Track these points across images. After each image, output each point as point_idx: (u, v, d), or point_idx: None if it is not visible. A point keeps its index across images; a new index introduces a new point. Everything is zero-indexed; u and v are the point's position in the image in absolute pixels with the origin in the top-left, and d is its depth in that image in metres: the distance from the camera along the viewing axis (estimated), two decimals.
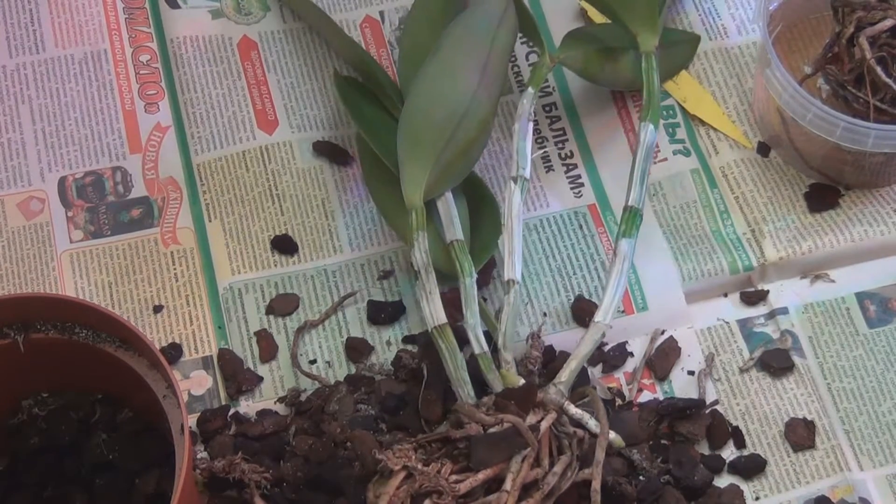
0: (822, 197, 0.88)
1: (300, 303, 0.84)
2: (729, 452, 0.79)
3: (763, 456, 0.79)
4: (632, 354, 0.82)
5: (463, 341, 0.78)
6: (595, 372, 0.82)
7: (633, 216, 0.80)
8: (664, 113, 0.91)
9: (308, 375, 0.81)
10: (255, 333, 0.83)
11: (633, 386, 0.81)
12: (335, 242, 0.87)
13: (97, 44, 0.94)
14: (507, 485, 0.69)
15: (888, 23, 0.82)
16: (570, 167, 0.90)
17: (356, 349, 0.82)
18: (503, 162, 0.90)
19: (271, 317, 0.84)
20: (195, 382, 0.81)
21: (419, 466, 0.69)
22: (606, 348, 0.82)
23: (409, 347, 0.82)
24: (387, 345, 0.83)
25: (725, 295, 0.85)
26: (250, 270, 0.85)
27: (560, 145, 0.91)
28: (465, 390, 0.76)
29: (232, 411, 0.80)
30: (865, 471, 0.78)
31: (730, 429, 0.80)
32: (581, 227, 0.87)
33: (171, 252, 0.86)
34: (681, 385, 0.81)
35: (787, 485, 0.78)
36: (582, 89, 0.93)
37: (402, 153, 0.82)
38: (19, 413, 0.76)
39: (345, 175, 0.89)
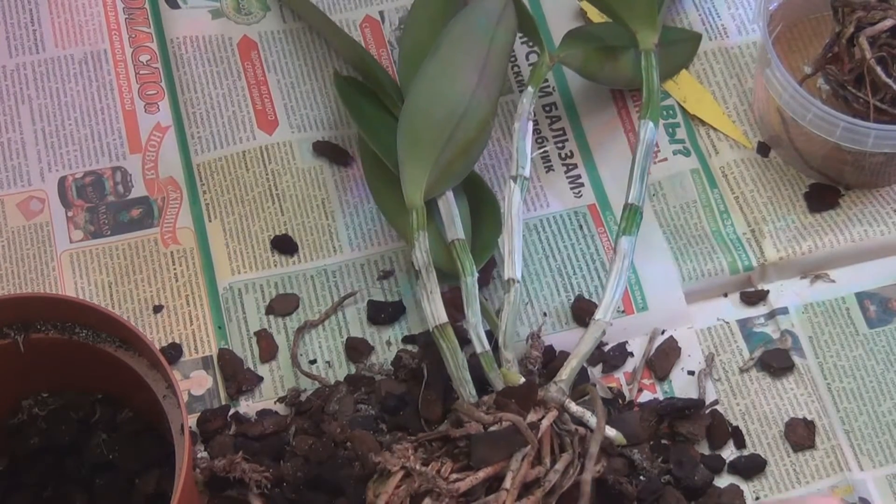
0: (822, 197, 0.88)
1: (300, 303, 0.84)
2: (729, 452, 0.79)
3: (763, 456, 0.79)
4: (632, 354, 0.82)
5: (463, 341, 0.78)
6: (595, 372, 0.82)
7: (633, 214, 0.80)
8: (664, 113, 0.91)
9: (308, 375, 0.81)
10: (255, 333, 0.83)
11: (633, 386, 0.81)
12: (335, 242, 0.87)
13: (97, 44, 0.94)
14: (507, 483, 0.69)
15: (888, 23, 0.82)
16: (570, 167, 0.90)
17: (356, 349, 0.82)
18: (503, 161, 0.90)
19: (271, 317, 0.84)
20: (195, 382, 0.81)
21: (418, 467, 0.69)
22: (606, 348, 0.82)
23: (409, 347, 0.82)
24: (387, 345, 0.83)
25: (725, 295, 0.85)
26: (250, 270, 0.85)
27: (560, 145, 0.91)
28: (467, 389, 0.76)
29: (232, 411, 0.80)
30: (865, 471, 0.78)
31: (730, 429, 0.80)
32: (581, 226, 0.87)
33: (171, 252, 0.86)
34: (681, 385, 0.81)
35: (787, 485, 0.78)
36: (582, 89, 0.93)
37: (401, 153, 0.82)
38: (19, 413, 0.76)
39: (345, 175, 0.89)
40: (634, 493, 0.75)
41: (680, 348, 0.82)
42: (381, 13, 0.96)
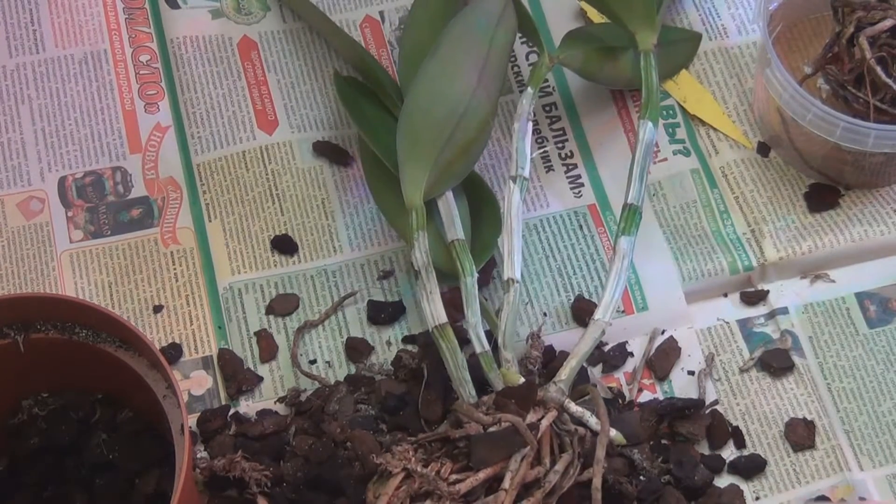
0: (822, 197, 0.88)
1: (300, 303, 0.84)
2: (729, 452, 0.79)
3: (763, 456, 0.79)
4: (632, 354, 0.82)
5: (463, 341, 0.78)
6: (595, 372, 0.82)
7: (632, 214, 0.80)
8: (664, 113, 0.91)
9: (308, 375, 0.81)
10: (255, 333, 0.83)
11: (633, 386, 0.81)
12: (335, 242, 0.87)
13: (97, 44, 0.94)
14: (506, 483, 0.69)
15: (888, 23, 0.82)
16: (570, 167, 0.90)
17: (356, 349, 0.82)
18: (504, 161, 0.90)
19: (271, 317, 0.84)
20: (195, 382, 0.81)
21: (419, 468, 0.69)
22: (606, 348, 0.82)
23: (409, 347, 0.82)
24: (387, 345, 0.83)
25: (725, 295, 0.85)
26: (250, 270, 0.85)
27: (560, 145, 0.91)
28: (467, 389, 0.76)
29: (232, 411, 0.80)
30: (865, 471, 0.78)
31: (730, 429, 0.80)
32: (581, 227, 0.87)
33: (171, 252, 0.86)
34: (681, 385, 0.81)
35: (787, 485, 0.78)
36: (582, 89, 0.93)
37: (401, 153, 0.82)
38: (19, 413, 0.76)
39: (345, 175, 0.89)
40: (634, 493, 0.75)
41: (680, 348, 0.82)
42: (381, 13, 0.96)
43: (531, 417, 0.72)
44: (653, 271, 0.85)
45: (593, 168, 0.90)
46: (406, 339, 0.83)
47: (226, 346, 0.83)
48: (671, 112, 0.91)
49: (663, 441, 0.79)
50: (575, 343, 0.78)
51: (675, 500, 0.75)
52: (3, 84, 0.92)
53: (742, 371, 0.82)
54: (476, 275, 0.79)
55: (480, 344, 0.77)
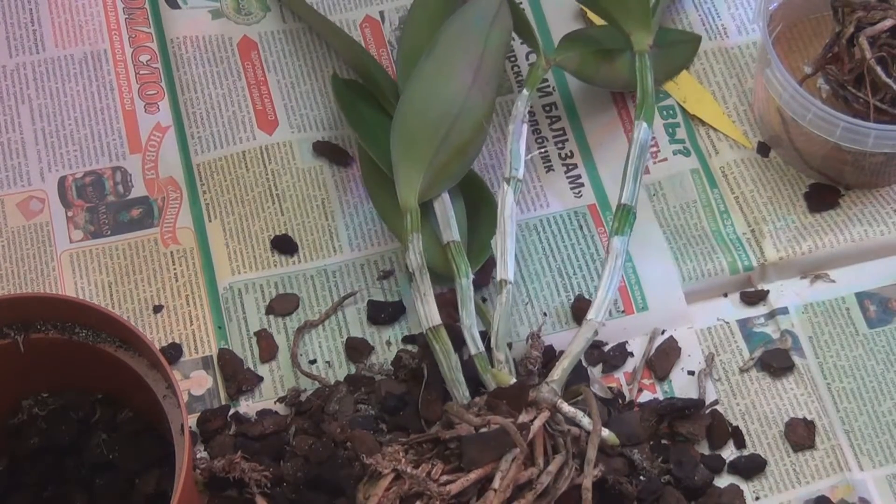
0: (822, 197, 0.88)
1: (300, 303, 0.84)
2: (729, 452, 0.79)
3: (763, 456, 0.79)
4: (632, 354, 0.82)
5: (462, 341, 0.78)
6: (595, 372, 0.82)
7: (625, 214, 0.80)
8: (664, 113, 0.91)
9: (308, 375, 0.81)
10: (255, 333, 0.83)
11: (633, 386, 0.81)
12: (335, 242, 0.87)
13: (97, 44, 0.94)
14: (496, 484, 0.69)
15: (888, 23, 0.82)
16: (570, 167, 0.90)
17: (356, 349, 0.82)
18: (502, 161, 0.89)
19: (271, 317, 0.84)
20: (195, 382, 0.81)
21: (408, 469, 0.69)
22: (606, 348, 0.82)
23: (409, 347, 0.82)
24: (387, 345, 0.83)
25: (725, 295, 0.85)
26: (250, 270, 0.85)
27: (560, 145, 0.91)
28: (460, 391, 0.76)
29: (232, 411, 0.80)
30: (865, 471, 0.78)
31: (730, 429, 0.80)
32: (581, 227, 0.87)
33: (171, 252, 0.86)
34: (681, 385, 0.81)
35: (787, 485, 0.78)
36: (582, 89, 0.93)
37: (396, 155, 0.82)
38: (19, 413, 0.76)
39: (345, 175, 0.89)
40: (634, 493, 0.75)
41: (680, 348, 0.82)
42: (381, 13, 0.96)
43: (524, 418, 0.72)
44: (653, 271, 0.85)
45: (593, 168, 0.90)
46: (406, 339, 0.83)
47: (226, 346, 0.83)
48: (671, 112, 0.91)
49: (663, 441, 0.79)
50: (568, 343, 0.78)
51: (675, 500, 0.75)
52: (3, 84, 0.92)
53: (742, 371, 0.82)
54: (471, 276, 0.79)
55: (475, 345, 0.77)
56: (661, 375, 0.82)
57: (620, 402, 0.80)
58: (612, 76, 0.90)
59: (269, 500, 0.75)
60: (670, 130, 0.91)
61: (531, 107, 0.88)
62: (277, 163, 0.89)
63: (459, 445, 0.71)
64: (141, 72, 0.93)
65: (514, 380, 0.76)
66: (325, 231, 0.87)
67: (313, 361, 0.82)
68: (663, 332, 0.83)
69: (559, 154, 0.90)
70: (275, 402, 0.81)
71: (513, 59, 0.94)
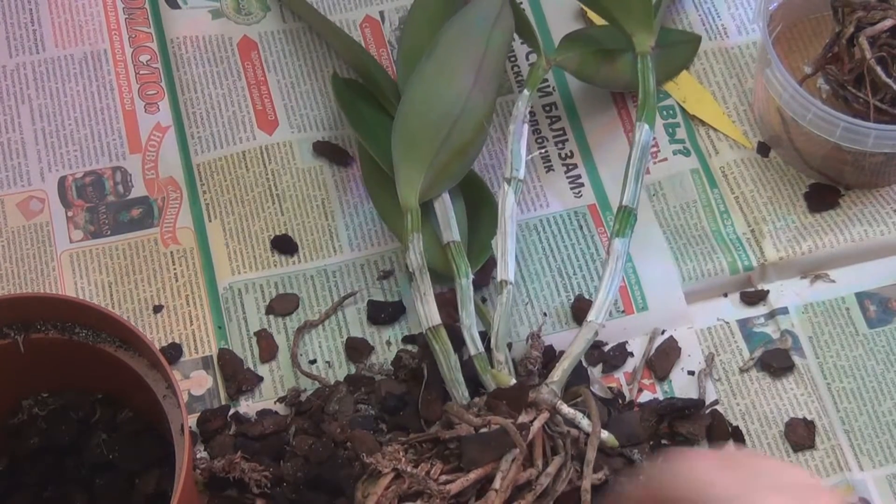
0: (822, 197, 0.88)
1: (300, 303, 0.84)
2: None
3: None
4: (632, 354, 0.82)
5: (462, 341, 0.78)
6: (595, 372, 0.82)
7: (626, 215, 0.80)
8: (664, 113, 0.91)
9: (308, 375, 0.81)
10: (255, 333, 0.83)
11: (633, 386, 0.81)
12: (335, 242, 0.87)
13: (97, 44, 0.94)
14: (496, 484, 0.69)
15: (888, 23, 0.82)
16: (570, 167, 0.90)
17: (356, 349, 0.82)
18: (502, 161, 0.89)
19: (271, 317, 0.84)
20: (195, 382, 0.81)
21: (408, 468, 0.69)
22: (606, 348, 0.82)
23: (409, 347, 0.82)
24: (387, 345, 0.83)
25: (725, 295, 0.85)
26: (250, 270, 0.85)
27: (560, 145, 0.91)
28: (459, 391, 0.76)
29: (232, 411, 0.80)
30: (865, 471, 0.78)
31: (730, 429, 0.80)
32: (581, 227, 0.87)
33: (171, 252, 0.86)
34: (681, 385, 0.81)
35: None
36: (582, 89, 0.93)
37: (396, 155, 0.82)
38: (19, 413, 0.76)
39: (345, 175, 0.89)
40: None
41: (680, 348, 0.82)
42: (381, 13, 0.96)
43: (523, 419, 0.72)
44: (653, 271, 0.85)
45: (593, 168, 0.90)
46: (406, 339, 0.83)
47: (226, 346, 0.83)
48: (671, 112, 0.91)
49: (663, 441, 0.79)
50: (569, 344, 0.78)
51: None
52: (3, 84, 0.92)
53: (742, 371, 0.82)
54: (471, 276, 0.79)
55: (475, 345, 0.77)
56: (661, 375, 0.82)
57: (620, 402, 0.80)
58: (612, 76, 0.90)
59: (269, 500, 0.75)
60: (670, 130, 0.91)
61: (531, 107, 0.87)
62: (277, 163, 0.89)
63: (459, 445, 0.71)
64: (141, 72, 0.93)
65: (513, 380, 0.76)
66: (325, 231, 0.87)
67: (313, 361, 0.82)
68: (663, 332, 0.83)
69: (559, 154, 0.90)
70: (275, 402, 0.81)
71: (513, 59, 0.94)
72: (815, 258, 0.85)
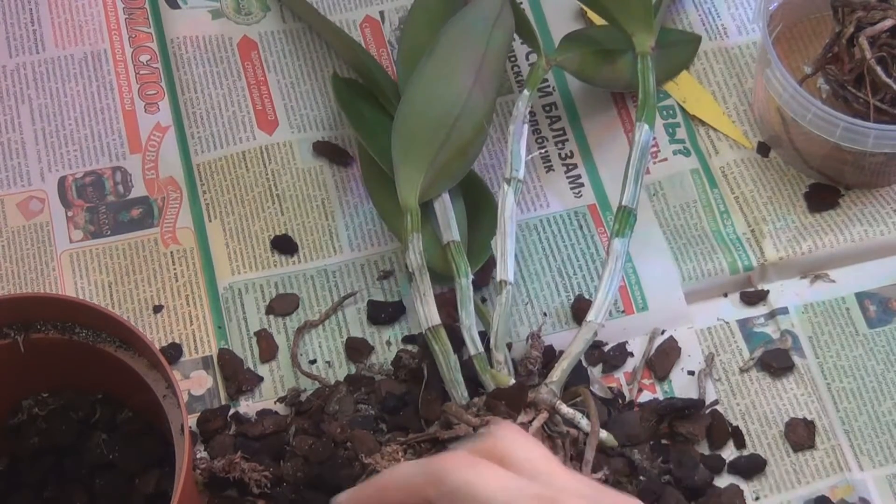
0: (822, 197, 0.88)
1: (300, 303, 0.84)
2: (729, 452, 0.79)
3: (763, 456, 0.79)
4: (632, 354, 0.82)
5: (461, 341, 0.78)
6: (595, 372, 0.82)
7: (626, 216, 0.80)
8: (664, 113, 0.91)
9: (308, 375, 0.81)
10: (255, 333, 0.83)
11: (633, 386, 0.81)
12: (335, 242, 0.87)
13: (97, 44, 0.94)
14: None
15: (888, 23, 0.82)
16: (570, 167, 0.90)
17: (356, 349, 0.82)
18: (502, 161, 0.89)
19: (271, 317, 0.84)
20: (195, 382, 0.81)
21: None
22: (606, 348, 0.82)
23: (409, 347, 0.82)
24: (387, 345, 0.83)
25: (725, 295, 0.85)
26: (250, 270, 0.85)
27: (560, 145, 0.91)
28: (459, 391, 0.76)
29: (232, 411, 0.80)
30: (865, 471, 0.78)
31: (730, 429, 0.80)
32: (581, 227, 0.87)
33: (171, 252, 0.86)
34: (681, 385, 0.81)
35: (787, 485, 0.78)
36: (582, 89, 0.93)
37: (396, 155, 0.82)
38: (19, 413, 0.76)
39: (345, 175, 0.89)
40: (635, 493, 0.75)
41: (680, 348, 0.82)
42: (381, 13, 0.96)
43: (522, 419, 0.72)
44: (653, 271, 0.85)
45: (593, 168, 0.90)
46: (406, 339, 0.83)
47: (226, 346, 0.83)
48: (671, 112, 0.91)
49: (663, 441, 0.79)
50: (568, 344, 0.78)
51: (675, 501, 0.75)
52: (3, 84, 0.92)
53: (742, 371, 0.82)
54: (471, 276, 0.79)
55: (474, 345, 0.77)
56: (661, 375, 0.82)
57: (620, 402, 0.80)
58: (613, 77, 0.90)
59: (269, 500, 0.75)
60: (670, 130, 0.91)
61: (531, 107, 0.87)
62: (277, 163, 0.89)
63: (458, 446, 0.71)
64: (141, 72, 0.93)
65: (512, 380, 0.76)
66: (325, 231, 0.87)
67: (313, 361, 0.82)
68: (663, 332, 0.83)
69: (559, 154, 0.90)
70: (275, 402, 0.81)
71: (513, 59, 0.94)
72: (815, 258, 0.85)
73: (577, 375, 0.79)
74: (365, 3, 0.97)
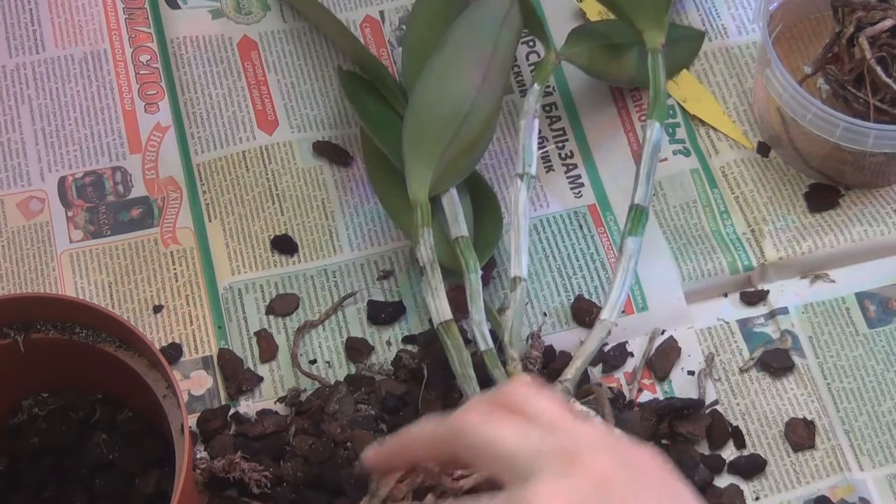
0: (822, 197, 0.88)
1: (300, 303, 0.84)
2: (729, 452, 0.79)
3: (763, 456, 0.79)
4: (632, 354, 0.82)
5: (465, 341, 0.78)
6: (595, 372, 0.82)
7: (638, 214, 0.80)
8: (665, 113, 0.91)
9: (308, 375, 0.81)
10: (255, 333, 0.83)
11: (633, 386, 0.81)
12: (335, 242, 0.87)
13: (97, 44, 0.94)
14: None
15: (888, 23, 0.82)
16: (570, 167, 0.90)
17: (356, 349, 0.82)
18: (503, 161, 0.90)
19: (271, 317, 0.84)
20: (195, 382, 0.81)
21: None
22: (606, 348, 0.82)
23: (409, 347, 0.82)
24: (387, 345, 0.83)
25: (725, 295, 0.85)
26: (250, 270, 0.85)
27: (560, 145, 0.91)
28: (471, 387, 0.76)
29: (232, 411, 0.80)
30: (865, 471, 0.78)
31: (730, 429, 0.80)
32: (581, 227, 0.87)
33: (171, 252, 0.86)
34: (681, 385, 0.81)
35: (787, 485, 0.78)
36: (582, 89, 0.93)
37: (406, 149, 0.82)
38: (19, 413, 0.76)
39: (345, 175, 0.89)
40: None
41: (680, 348, 0.82)
42: (381, 13, 0.96)
43: None
44: (653, 271, 0.85)
45: (593, 168, 0.90)
46: (406, 339, 0.83)
47: (226, 346, 0.83)
48: (671, 112, 0.91)
49: (663, 441, 0.79)
50: (577, 343, 0.78)
51: None
52: (3, 84, 0.92)
53: (742, 371, 0.82)
54: (480, 272, 0.79)
55: (485, 341, 0.77)
56: (661, 375, 0.82)
57: (620, 402, 0.80)
58: (619, 72, 0.90)
59: (269, 500, 0.75)
60: (670, 130, 0.91)
61: None
62: (277, 163, 0.89)
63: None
64: (141, 72, 0.93)
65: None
66: (325, 231, 0.87)
67: (313, 361, 0.82)
68: (663, 332, 0.83)
69: (559, 154, 0.90)
70: (275, 402, 0.81)
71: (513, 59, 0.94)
72: (815, 258, 0.85)
73: (581, 375, 0.79)
74: (365, 2, 0.97)
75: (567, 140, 0.91)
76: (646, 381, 0.82)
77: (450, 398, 0.78)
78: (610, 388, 0.81)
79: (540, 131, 0.91)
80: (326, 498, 0.75)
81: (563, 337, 0.82)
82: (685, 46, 0.93)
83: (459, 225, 0.81)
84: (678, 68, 0.93)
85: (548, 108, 0.92)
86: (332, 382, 0.81)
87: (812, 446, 0.79)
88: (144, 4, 0.95)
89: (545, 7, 0.96)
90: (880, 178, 0.88)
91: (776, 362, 0.81)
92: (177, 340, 0.83)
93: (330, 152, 0.90)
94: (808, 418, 0.80)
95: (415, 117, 0.83)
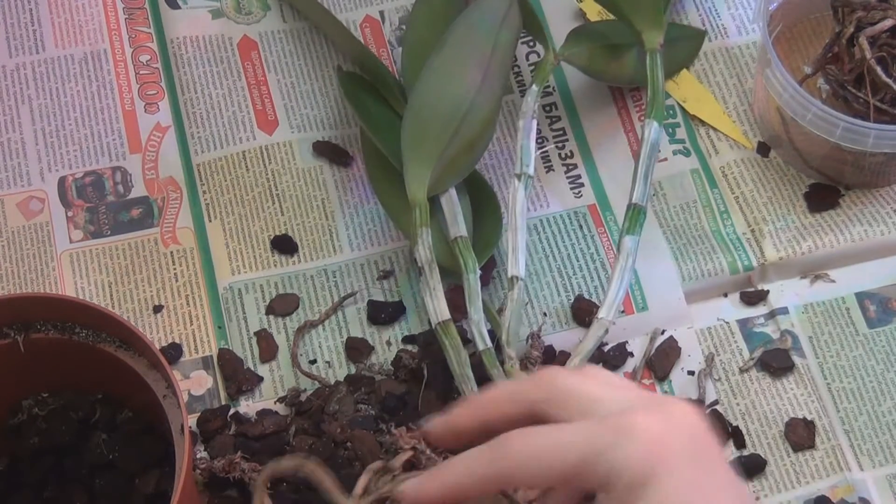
0: (822, 197, 0.88)
1: (300, 303, 0.84)
2: (729, 452, 0.79)
3: (763, 456, 0.79)
4: (632, 354, 0.82)
5: (464, 341, 0.78)
6: None
7: (636, 214, 0.80)
8: (664, 113, 0.91)
9: (308, 375, 0.81)
10: (255, 333, 0.83)
11: None
12: (335, 242, 0.87)
13: (97, 44, 0.94)
14: None
15: (888, 23, 0.82)
16: (570, 167, 0.90)
17: (356, 349, 0.82)
18: (503, 161, 0.90)
19: (271, 317, 0.84)
20: (195, 382, 0.81)
21: (427, 451, 0.69)
22: (606, 348, 0.82)
23: (409, 347, 0.82)
24: (387, 345, 0.83)
25: (725, 295, 0.85)
26: (250, 270, 0.85)
27: (560, 145, 0.91)
28: (469, 386, 0.76)
29: (232, 411, 0.80)
30: (865, 471, 0.78)
31: (730, 429, 0.80)
32: (581, 227, 0.87)
33: (171, 252, 0.86)
34: (681, 385, 0.81)
35: (787, 485, 0.78)
36: (582, 89, 0.93)
37: (406, 149, 0.82)
38: (19, 413, 0.76)
39: (345, 175, 0.89)
40: None
41: (680, 348, 0.82)
42: (381, 13, 0.96)
43: None
44: (653, 271, 0.85)
45: (593, 168, 0.90)
46: (406, 339, 0.83)
47: (226, 346, 0.83)
48: (671, 112, 0.91)
49: None
50: (574, 343, 0.78)
51: None
52: (3, 84, 0.92)
53: (742, 371, 0.82)
54: (479, 272, 0.79)
55: (483, 341, 0.77)
56: (661, 375, 0.82)
57: None
58: (618, 72, 0.90)
59: (269, 500, 0.75)
60: (670, 130, 0.91)
61: None
62: (277, 163, 0.89)
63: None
64: (141, 72, 0.93)
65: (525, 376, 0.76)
66: (325, 231, 0.87)
67: (313, 361, 0.82)
68: (663, 332, 0.83)
69: (559, 154, 0.90)
70: (275, 402, 0.81)
71: (512, 59, 0.94)
72: (815, 258, 0.85)
73: None
74: (365, 2, 0.97)
75: (567, 140, 0.91)
76: (646, 381, 0.82)
77: (450, 398, 0.78)
78: None
79: (540, 131, 0.91)
80: (326, 498, 0.75)
81: (563, 337, 0.82)
82: (685, 46, 0.93)
83: (458, 225, 0.81)
84: (678, 68, 0.93)
85: (547, 108, 0.92)
86: (332, 382, 0.81)
87: (812, 446, 0.79)
88: (144, 4, 0.96)
89: (545, 7, 0.96)
90: (880, 178, 0.88)
91: (776, 362, 0.81)
92: (177, 340, 0.83)
93: (330, 152, 0.90)
94: (808, 418, 0.80)
95: (414, 117, 0.83)
